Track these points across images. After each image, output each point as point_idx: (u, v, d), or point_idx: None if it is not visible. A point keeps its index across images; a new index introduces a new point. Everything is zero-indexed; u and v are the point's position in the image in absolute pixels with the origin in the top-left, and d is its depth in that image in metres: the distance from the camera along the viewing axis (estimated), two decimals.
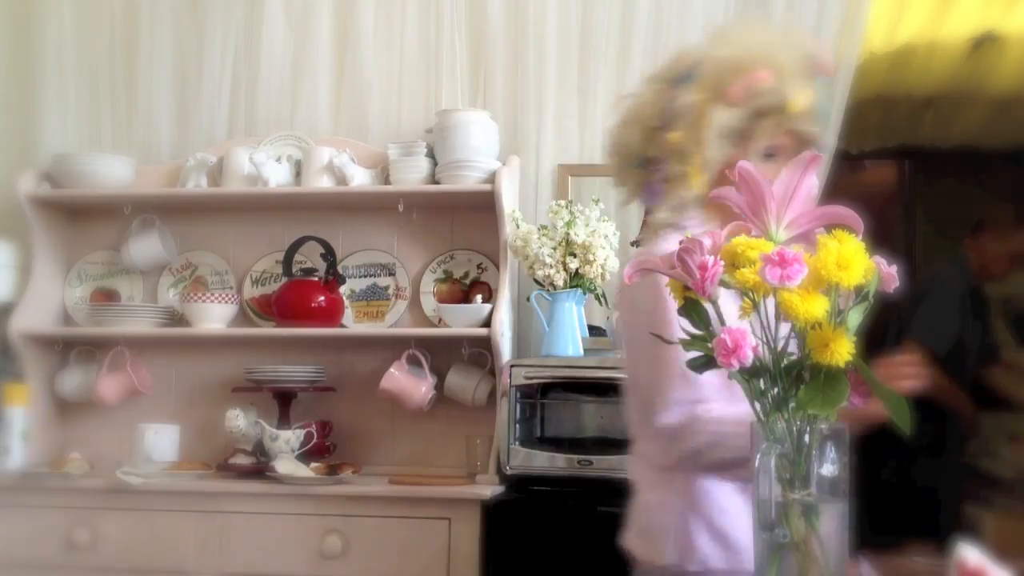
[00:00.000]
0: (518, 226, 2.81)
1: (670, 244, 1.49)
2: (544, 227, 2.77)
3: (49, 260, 3.15)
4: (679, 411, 1.58)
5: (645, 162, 1.75)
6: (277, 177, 3.00)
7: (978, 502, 3.66)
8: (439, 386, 2.94)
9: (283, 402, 2.96)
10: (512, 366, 2.65)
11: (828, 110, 1.87)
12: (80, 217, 3.25)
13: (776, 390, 1.25)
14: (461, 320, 2.87)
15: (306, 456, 2.77)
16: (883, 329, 3.54)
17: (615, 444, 2.68)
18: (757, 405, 1.28)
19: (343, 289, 3.05)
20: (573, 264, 2.69)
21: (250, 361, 3.02)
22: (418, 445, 3.03)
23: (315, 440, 2.82)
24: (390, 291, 3.11)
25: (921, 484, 3.65)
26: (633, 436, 1.74)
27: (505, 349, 2.84)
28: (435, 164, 2.98)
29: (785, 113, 1.68)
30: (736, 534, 1.63)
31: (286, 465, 2.68)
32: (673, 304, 1.35)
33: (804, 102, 1.68)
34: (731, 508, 1.65)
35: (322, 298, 2.95)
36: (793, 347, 1.19)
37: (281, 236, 3.13)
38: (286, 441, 2.75)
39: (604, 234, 2.71)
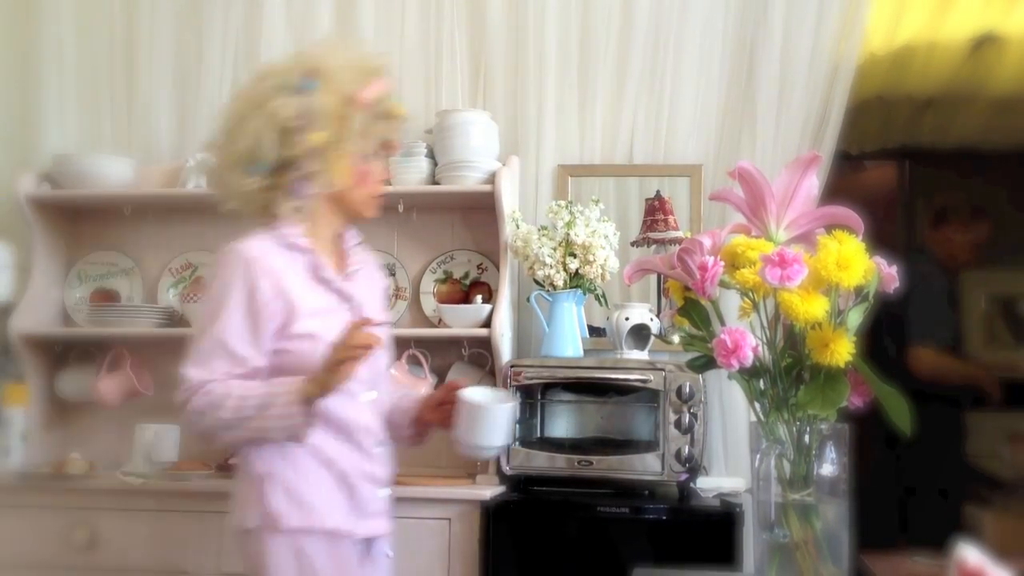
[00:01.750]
0: (518, 226, 2.81)
1: (259, 243, 1.90)
2: (544, 227, 2.77)
3: (49, 260, 3.15)
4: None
5: (282, 164, 1.91)
6: None
7: (978, 502, 3.65)
8: (439, 386, 2.93)
9: None
10: (512, 366, 2.65)
11: None
12: (80, 217, 3.25)
13: (777, 390, 1.25)
14: (461, 320, 2.87)
15: None
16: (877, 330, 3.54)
17: (615, 444, 2.68)
18: (757, 405, 1.28)
19: None
20: (573, 264, 2.69)
21: None
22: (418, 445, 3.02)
23: None
24: (390, 291, 3.11)
25: (922, 484, 3.65)
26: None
27: (505, 349, 2.84)
28: (435, 165, 2.98)
29: (395, 117, 1.99)
30: (310, 495, 1.84)
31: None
32: (242, 289, 1.83)
33: (405, 110, 2.01)
34: (304, 469, 1.84)
35: None
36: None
37: None
38: None
39: (604, 234, 2.71)
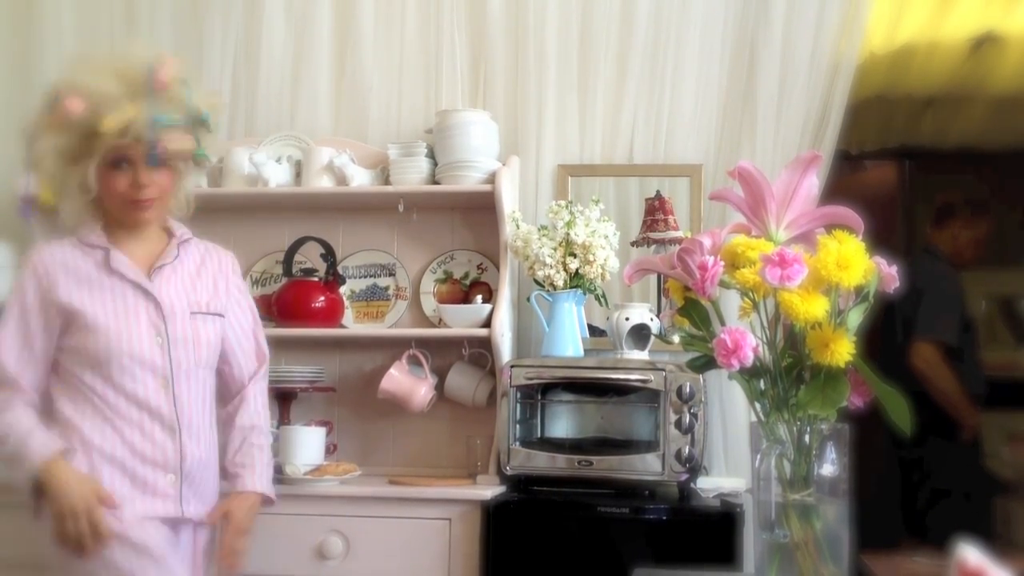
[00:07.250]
0: (518, 226, 2.81)
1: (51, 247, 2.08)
2: (544, 227, 2.77)
3: None
4: None
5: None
6: (277, 177, 3.00)
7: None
8: (439, 386, 2.94)
9: (283, 402, 2.95)
10: (512, 366, 2.65)
11: (167, 120, 2.05)
12: None
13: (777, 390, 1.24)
14: (461, 320, 2.87)
15: None
16: (884, 328, 3.54)
17: (615, 444, 2.68)
18: (757, 405, 1.28)
19: (343, 289, 3.05)
20: (573, 264, 2.69)
21: None
22: (418, 445, 3.03)
23: None
24: (390, 291, 3.11)
25: (922, 484, 3.65)
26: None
27: (505, 349, 2.84)
28: (435, 164, 2.97)
29: (101, 133, 1.99)
30: None
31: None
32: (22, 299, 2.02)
33: (116, 122, 1.98)
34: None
35: (322, 298, 2.94)
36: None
37: (281, 236, 3.12)
38: None
39: (604, 234, 2.71)
